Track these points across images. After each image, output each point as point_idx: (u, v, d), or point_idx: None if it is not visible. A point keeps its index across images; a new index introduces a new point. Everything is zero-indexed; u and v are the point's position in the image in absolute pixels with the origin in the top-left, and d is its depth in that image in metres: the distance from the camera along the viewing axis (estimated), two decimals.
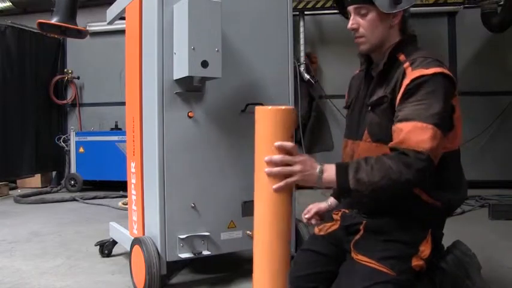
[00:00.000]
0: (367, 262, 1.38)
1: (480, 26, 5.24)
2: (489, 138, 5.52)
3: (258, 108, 1.30)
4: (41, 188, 5.98)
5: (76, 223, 3.73)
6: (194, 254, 2.05)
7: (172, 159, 2.03)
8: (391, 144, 1.34)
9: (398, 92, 1.38)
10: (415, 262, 1.39)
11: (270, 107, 1.28)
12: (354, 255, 1.44)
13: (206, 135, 2.11)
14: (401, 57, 1.44)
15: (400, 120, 1.33)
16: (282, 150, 1.24)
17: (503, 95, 5.49)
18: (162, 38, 2.01)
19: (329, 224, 1.65)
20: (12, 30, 5.57)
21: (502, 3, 5.06)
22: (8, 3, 6.47)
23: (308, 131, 5.36)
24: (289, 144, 1.25)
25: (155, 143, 2.01)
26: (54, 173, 6.50)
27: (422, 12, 5.54)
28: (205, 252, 2.07)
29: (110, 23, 2.76)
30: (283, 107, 1.27)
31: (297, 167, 1.27)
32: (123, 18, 2.48)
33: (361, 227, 1.49)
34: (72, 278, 2.31)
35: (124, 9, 2.41)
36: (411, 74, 1.36)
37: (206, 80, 2.04)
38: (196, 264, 2.46)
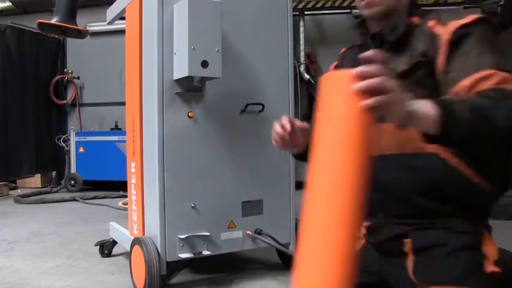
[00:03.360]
0: None
1: None
2: None
3: (327, 75, 0.91)
4: (41, 188, 5.98)
5: (76, 223, 3.73)
6: (194, 254, 2.05)
7: (173, 159, 2.03)
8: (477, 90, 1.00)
9: (437, 54, 1.11)
10: (490, 268, 1.08)
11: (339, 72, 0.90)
12: (424, 286, 1.08)
13: (206, 135, 2.11)
14: (415, 19, 1.21)
15: (464, 75, 1.05)
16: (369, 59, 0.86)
17: None
18: (162, 38, 2.01)
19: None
20: (12, 30, 5.58)
21: (502, 3, 5.06)
22: (8, 3, 6.48)
23: None
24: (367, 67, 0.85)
25: (155, 143, 2.01)
26: (54, 173, 6.50)
27: None
28: (205, 252, 2.07)
29: (110, 23, 2.76)
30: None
31: (393, 83, 0.87)
32: (123, 18, 2.48)
33: (406, 249, 1.14)
34: (72, 278, 2.31)
35: (124, 9, 2.41)
36: (447, 28, 1.12)
37: (206, 80, 2.04)
38: (196, 264, 2.46)
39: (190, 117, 2.06)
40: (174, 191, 2.03)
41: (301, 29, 5.55)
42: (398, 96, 0.88)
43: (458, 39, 1.10)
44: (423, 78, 1.13)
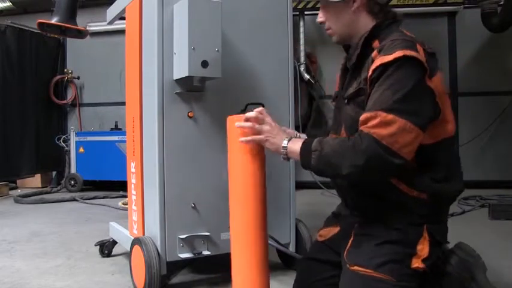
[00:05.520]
0: (364, 271, 1.28)
1: (480, 26, 5.24)
2: (489, 138, 5.53)
3: (229, 118, 1.50)
4: (41, 188, 5.99)
5: (76, 223, 3.73)
6: (194, 254, 2.05)
7: (172, 159, 2.03)
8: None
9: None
10: (416, 264, 1.28)
11: (239, 115, 1.47)
12: (348, 265, 1.34)
13: (206, 135, 2.11)
14: (375, 43, 1.33)
15: (364, 112, 1.25)
16: (249, 119, 1.41)
17: (503, 95, 5.49)
18: (162, 38, 2.01)
19: (329, 228, 1.59)
20: (12, 30, 5.58)
21: (502, 3, 5.06)
22: (8, 3, 6.48)
23: (308, 131, 5.36)
24: (251, 113, 1.43)
25: (155, 143, 2.01)
26: (54, 173, 6.50)
27: (422, 12, 5.55)
28: (205, 252, 2.07)
29: (110, 23, 2.76)
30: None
31: (266, 127, 1.39)
32: (123, 18, 2.48)
33: (352, 232, 1.41)
34: (72, 278, 2.31)
35: (124, 9, 2.41)
36: (374, 63, 1.26)
37: (206, 80, 2.04)
38: (196, 264, 2.46)
39: (190, 117, 2.06)
40: (174, 191, 2.03)
41: (301, 29, 5.55)
42: (271, 134, 1.38)
43: (376, 76, 1.24)
44: (363, 102, 1.31)
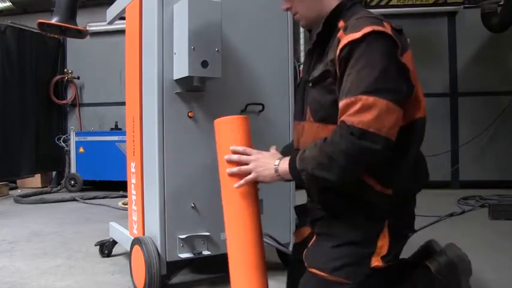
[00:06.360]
0: (321, 274, 1.26)
1: (480, 26, 5.24)
2: (489, 138, 5.53)
3: (216, 121, 1.49)
4: (41, 188, 5.99)
5: (76, 223, 3.74)
6: (194, 254, 2.05)
7: (172, 159, 2.03)
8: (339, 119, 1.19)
9: (336, 66, 1.22)
10: (375, 262, 1.24)
11: (226, 117, 1.48)
12: (307, 267, 1.31)
13: (206, 135, 2.10)
14: (340, 23, 1.26)
15: (342, 97, 1.18)
16: (237, 153, 1.38)
17: (503, 95, 5.49)
18: (162, 38, 2.01)
19: (300, 229, 1.57)
20: (12, 30, 5.58)
21: (502, 3, 5.06)
22: (8, 3, 6.48)
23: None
24: (239, 148, 1.39)
25: (155, 143, 2.01)
26: (54, 173, 6.51)
27: (422, 12, 5.55)
28: (205, 252, 2.07)
29: (110, 23, 2.76)
30: (237, 116, 1.49)
31: (251, 165, 1.36)
32: (123, 18, 2.48)
33: (315, 233, 1.38)
34: (72, 278, 2.31)
35: (124, 9, 2.41)
36: (341, 42, 1.19)
37: (206, 80, 2.04)
38: (196, 264, 2.46)
39: (190, 117, 2.06)
40: (174, 191, 2.03)
41: (301, 29, 5.54)
42: (259, 169, 1.34)
43: (345, 56, 1.18)
44: (331, 85, 1.26)
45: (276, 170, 1.32)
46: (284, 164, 1.31)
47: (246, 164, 1.37)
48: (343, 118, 1.16)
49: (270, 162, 1.34)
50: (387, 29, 1.17)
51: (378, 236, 1.26)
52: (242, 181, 1.38)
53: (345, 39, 1.18)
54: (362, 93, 1.12)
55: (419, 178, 1.35)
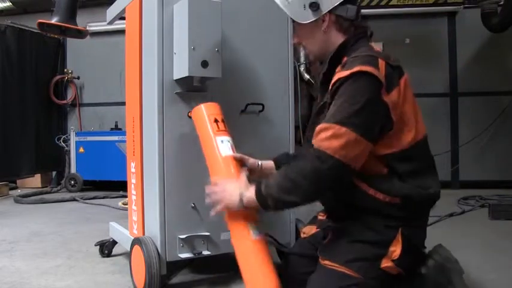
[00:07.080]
0: (332, 266, 1.34)
1: (480, 26, 5.24)
2: (489, 138, 5.52)
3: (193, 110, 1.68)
4: (41, 188, 5.98)
5: (76, 223, 3.73)
6: (194, 254, 2.05)
7: (173, 159, 2.03)
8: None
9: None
10: (385, 264, 1.33)
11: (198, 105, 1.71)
12: (320, 260, 1.40)
13: None
14: (344, 59, 1.39)
15: (322, 121, 1.33)
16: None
17: (503, 95, 5.49)
18: (162, 38, 2.01)
19: (311, 226, 1.67)
20: (12, 30, 5.57)
21: (502, 3, 5.06)
22: (8, 3, 6.48)
23: (308, 131, 5.36)
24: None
25: (155, 143, 2.01)
26: (54, 173, 6.50)
27: (422, 12, 5.55)
28: (205, 252, 2.07)
29: (110, 23, 2.76)
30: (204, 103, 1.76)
31: (217, 196, 1.48)
32: (123, 18, 2.48)
33: (330, 231, 1.48)
34: (72, 278, 2.31)
35: (124, 9, 2.41)
36: (334, 77, 1.35)
37: (206, 80, 2.04)
38: (196, 264, 2.46)
39: (190, 117, 2.06)
40: (174, 191, 2.03)
41: None
42: (225, 200, 1.44)
43: (335, 90, 1.33)
44: None
45: (242, 201, 1.42)
46: (250, 192, 1.40)
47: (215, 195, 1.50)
48: (313, 141, 1.31)
49: (234, 193, 1.44)
50: (380, 67, 1.30)
51: (391, 241, 1.35)
52: (213, 212, 1.50)
53: (337, 75, 1.33)
54: (336, 123, 1.27)
55: (425, 189, 1.39)
